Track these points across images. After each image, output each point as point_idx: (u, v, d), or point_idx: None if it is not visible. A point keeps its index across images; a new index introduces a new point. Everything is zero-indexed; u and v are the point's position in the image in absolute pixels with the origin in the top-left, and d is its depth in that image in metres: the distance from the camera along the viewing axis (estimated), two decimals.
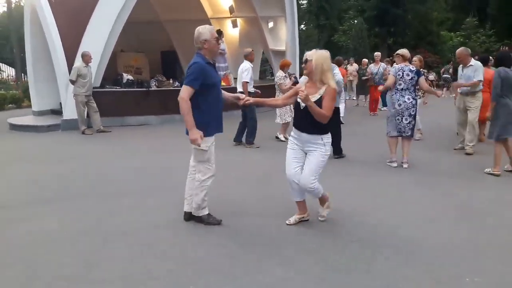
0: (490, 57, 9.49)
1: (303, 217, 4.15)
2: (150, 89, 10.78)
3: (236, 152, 7.67)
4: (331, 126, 3.92)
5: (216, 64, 12.88)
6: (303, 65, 4.00)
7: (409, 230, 3.96)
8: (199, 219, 4.12)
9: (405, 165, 6.41)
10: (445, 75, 19.42)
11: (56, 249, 3.60)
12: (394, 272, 3.15)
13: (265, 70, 25.22)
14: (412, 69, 6.39)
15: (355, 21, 32.93)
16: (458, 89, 7.58)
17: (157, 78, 11.21)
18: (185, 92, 3.75)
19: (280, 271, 3.15)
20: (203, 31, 3.85)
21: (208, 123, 3.88)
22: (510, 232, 3.91)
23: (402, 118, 6.38)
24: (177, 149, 7.85)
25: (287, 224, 4.07)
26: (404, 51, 6.64)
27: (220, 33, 13.24)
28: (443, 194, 5.14)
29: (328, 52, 3.88)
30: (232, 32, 16.06)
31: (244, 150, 7.89)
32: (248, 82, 7.94)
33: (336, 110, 6.24)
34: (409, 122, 6.37)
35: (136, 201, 4.89)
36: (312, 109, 3.65)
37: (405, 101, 6.31)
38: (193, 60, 3.83)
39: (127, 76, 10.95)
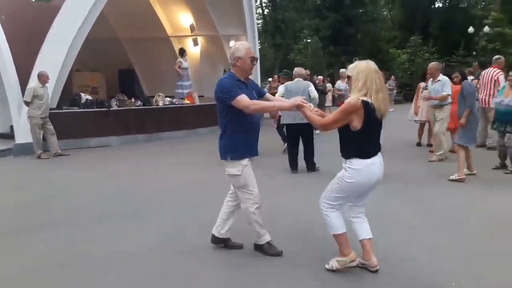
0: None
1: (365, 264, 3.43)
2: (111, 109, 10.28)
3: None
4: (361, 151, 3.21)
5: (180, 83, 12.85)
6: (347, 82, 3.74)
7: (391, 240, 3.95)
8: (259, 249, 3.78)
9: None
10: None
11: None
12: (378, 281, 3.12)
13: None
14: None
15: (309, 40, 33.84)
16: (427, 101, 8.00)
17: (118, 98, 10.74)
18: (244, 101, 3.37)
19: None
20: (240, 47, 3.55)
21: (237, 144, 3.56)
22: (484, 236, 3.95)
23: None
24: (141, 171, 7.49)
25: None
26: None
27: (183, 51, 13.04)
28: (418, 202, 5.26)
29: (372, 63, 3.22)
30: (193, 51, 15.83)
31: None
32: None
33: (309, 125, 6.32)
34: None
35: (111, 227, 4.49)
36: (307, 117, 3.38)
37: None
38: (220, 80, 3.57)
39: (85, 96, 10.39)
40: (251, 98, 3.51)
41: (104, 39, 14.81)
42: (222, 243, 3.88)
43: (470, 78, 10.48)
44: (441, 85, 7.50)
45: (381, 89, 3.11)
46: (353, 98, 3.10)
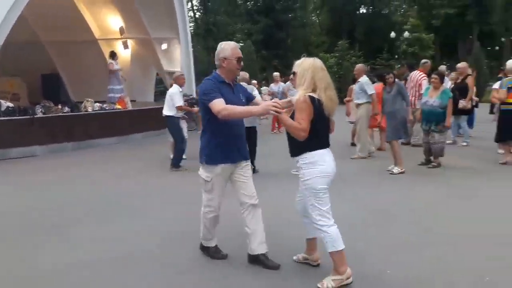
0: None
1: (307, 259, 3.49)
2: (35, 116, 9.62)
3: None
4: (311, 145, 3.12)
5: (111, 87, 12.37)
6: (291, 77, 3.59)
7: None
8: (203, 249, 3.76)
9: None
10: None
11: None
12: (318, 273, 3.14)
13: (161, 92, 24.55)
14: None
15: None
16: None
17: (44, 104, 10.07)
18: (217, 106, 3.20)
19: None
20: (226, 47, 3.41)
21: (213, 149, 3.40)
22: (413, 225, 4.20)
23: None
24: (71, 180, 7.10)
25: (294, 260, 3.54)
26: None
27: (113, 54, 12.58)
28: (352, 199, 5.45)
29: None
30: (123, 54, 15.31)
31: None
32: (182, 105, 7.68)
33: (254, 129, 6.81)
34: None
35: (46, 240, 4.19)
36: (284, 123, 3.15)
37: None
38: (204, 81, 3.47)
39: (6, 103, 9.63)
40: (237, 102, 3.37)
41: (25, 42, 13.91)
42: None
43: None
44: (360, 86, 8.02)
45: (328, 87, 3.10)
46: (300, 94, 3.04)
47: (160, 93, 26.58)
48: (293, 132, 3.06)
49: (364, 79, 8.10)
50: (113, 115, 11.46)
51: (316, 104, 3.03)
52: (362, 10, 50.60)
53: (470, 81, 8.93)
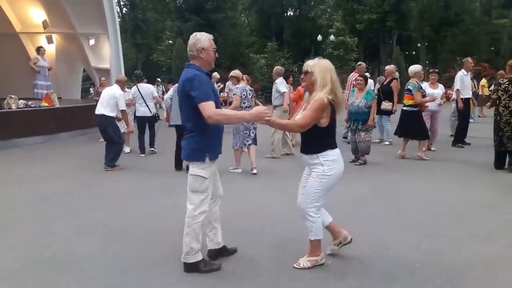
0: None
1: (340, 242, 3.61)
2: None
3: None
4: (331, 143, 3.33)
5: (37, 82, 11.73)
6: (302, 77, 3.42)
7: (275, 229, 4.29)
8: (190, 267, 3.33)
9: (254, 171, 6.95)
10: None
11: None
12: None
13: (87, 89, 23.58)
14: (251, 88, 7.37)
15: (170, 41, 33.65)
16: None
17: None
18: (209, 109, 3.06)
19: None
20: (202, 37, 3.29)
21: (210, 145, 3.29)
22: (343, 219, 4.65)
23: (249, 132, 7.02)
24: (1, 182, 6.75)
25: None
26: (237, 73, 7.38)
27: (39, 48, 11.98)
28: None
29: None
30: (48, 49, 14.50)
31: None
32: (125, 110, 7.65)
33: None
34: (255, 134, 7.14)
35: None
36: (278, 126, 3.40)
37: None
38: (191, 73, 3.18)
39: None
40: (218, 99, 3.29)
41: None
42: None
43: None
44: (275, 87, 8.38)
45: (339, 88, 3.29)
46: (323, 97, 3.15)
47: (87, 90, 25.65)
48: (292, 128, 3.42)
49: (279, 80, 8.35)
50: (39, 113, 10.90)
51: (333, 107, 3.24)
52: (290, 12, 52.21)
53: (395, 84, 9.48)
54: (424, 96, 7.88)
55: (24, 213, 5.06)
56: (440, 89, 8.81)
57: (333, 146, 3.32)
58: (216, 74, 13.13)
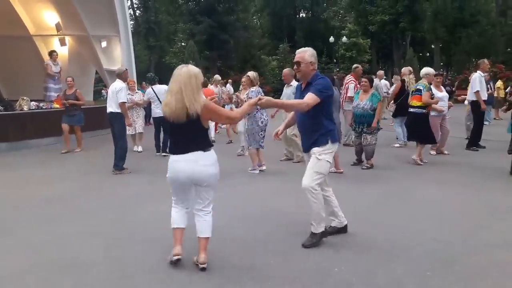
0: None
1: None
2: None
3: None
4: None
5: (48, 85, 11.82)
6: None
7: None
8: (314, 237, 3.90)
9: (264, 167, 7.20)
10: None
11: None
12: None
13: (99, 91, 23.83)
14: (263, 90, 7.53)
15: (183, 43, 33.81)
16: None
17: None
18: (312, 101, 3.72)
19: None
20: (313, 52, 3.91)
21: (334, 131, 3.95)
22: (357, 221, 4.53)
23: (263, 132, 7.12)
24: (8, 182, 6.78)
25: None
26: (255, 75, 7.32)
27: (51, 53, 12.08)
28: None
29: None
30: (60, 51, 14.64)
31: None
32: (125, 102, 7.36)
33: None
34: (264, 136, 7.19)
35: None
36: (285, 106, 4.29)
37: (265, 119, 7.16)
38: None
39: None
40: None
41: None
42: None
43: None
44: (292, 89, 8.18)
45: None
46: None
47: (100, 92, 25.89)
48: (300, 108, 3.75)
49: (295, 83, 8.24)
50: (51, 115, 10.97)
51: None
52: (302, 14, 52.09)
53: (397, 84, 9.40)
54: (433, 98, 7.71)
55: (29, 215, 5.05)
56: (444, 92, 8.63)
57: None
58: (217, 77, 13.09)
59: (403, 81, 9.39)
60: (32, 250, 3.94)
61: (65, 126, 9.52)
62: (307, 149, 3.95)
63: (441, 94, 8.38)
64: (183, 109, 3.16)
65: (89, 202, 5.62)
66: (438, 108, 8.04)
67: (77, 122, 9.64)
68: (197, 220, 3.45)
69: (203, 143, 3.35)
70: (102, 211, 5.20)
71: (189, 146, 3.30)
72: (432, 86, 8.01)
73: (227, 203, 5.01)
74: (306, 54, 3.81)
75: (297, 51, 3.91)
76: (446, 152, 8.57)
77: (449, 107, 8.72)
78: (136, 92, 9.68)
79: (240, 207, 5.16)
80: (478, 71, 8.99)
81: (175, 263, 3.46)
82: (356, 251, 3.79)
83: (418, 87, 7.74)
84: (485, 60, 9.17)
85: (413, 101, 7.71)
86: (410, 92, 8.12)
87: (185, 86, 3.17)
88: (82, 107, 9.95)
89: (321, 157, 3.78)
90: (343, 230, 4.17)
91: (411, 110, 7.79)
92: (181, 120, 3.20)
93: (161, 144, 8.88)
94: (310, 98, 3.68)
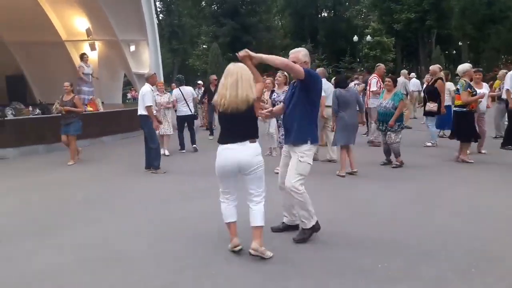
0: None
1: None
2: (5, 118, 9.39)
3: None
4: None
5: (82, 88, 12.18)
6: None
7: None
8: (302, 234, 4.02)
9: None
10: None
11: None
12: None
13: (125, 94, 24.33)
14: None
15: (205, 46, 34.10)
16: None
17: (14, 106, 9.84)
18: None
19: None
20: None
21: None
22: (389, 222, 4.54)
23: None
24: (48, 183, 7.02)
25: None
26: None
27: (83, 56, 12.46)
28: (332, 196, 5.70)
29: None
30: (91, 56, 15.05)
31: None
32: (151, 106, 7.55)
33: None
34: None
35: (22, 245, 4.20)
36: (267, 59, 3.86)
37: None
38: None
39: None
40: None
41: None
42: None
43: (354, 82, 11.68)
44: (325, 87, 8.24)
45: None
46: None
47: (124, 95, 26.48)
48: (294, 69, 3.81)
49: (324, 81, 8.21)
50: (84, 118, 11.28)
51: None
52: (324, 14, 51.87)
53: (439, 84, 9.11)
54: (474, 96, 7.59)
55: (69, 215, 5.21)
56: (485, 89, 8.48)
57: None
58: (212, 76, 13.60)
59: (440, 78, 9.21)
60: (80, 248, 4.08)
61: (63, 137, 8.73)
62: (288, 141, 4.09)
63: (480, 90, 8.20)
64: (241, 98, 3.47)
65: (125, 202, 5.76)
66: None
67: (74, 131, 8.65)
68: (250, 210, 3.67)
69: (254, 133, 3.64)
70: (139, 211, 5.33)
71: (242, 135, 3.58)
72: (472, 83, 7.94)
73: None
74: (300, 54, 4.00)
75: (291, 51, 4.11)
76: (483, 151, 8.43)
77: (487, 107, 8.57)
78: (165, 94, 9.79)
79: None
80: None
81: (238, 253, 3.71)
82: (394, 248, 3.82)
83: (457, 86, 7.77)
84: None
85: (456, 101, 7.77)
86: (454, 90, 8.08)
87: (241, 78, 3.49)
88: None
89: (303, 159, 3.92)
90: (291, 228, 4.26)
91: (454, 109, 7.83)
92: (240, 109, 3.48)
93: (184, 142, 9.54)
94: (296, 65, 3.84)
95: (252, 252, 3.59)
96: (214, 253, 3.81)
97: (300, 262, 3.59)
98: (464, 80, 7.56)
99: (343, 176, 6.75)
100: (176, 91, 9.74)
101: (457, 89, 7.67)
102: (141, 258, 3.78)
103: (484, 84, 8.77)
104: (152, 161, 7.57)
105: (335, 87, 7.22)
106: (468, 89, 7.48)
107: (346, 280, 3.26)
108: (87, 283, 3.37)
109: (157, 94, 9.13)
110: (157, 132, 8.55)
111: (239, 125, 3.55)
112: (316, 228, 4.04)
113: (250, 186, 3.64)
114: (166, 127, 9.33)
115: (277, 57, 3.83)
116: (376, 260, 3.56)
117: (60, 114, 8.82)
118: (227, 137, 3.59)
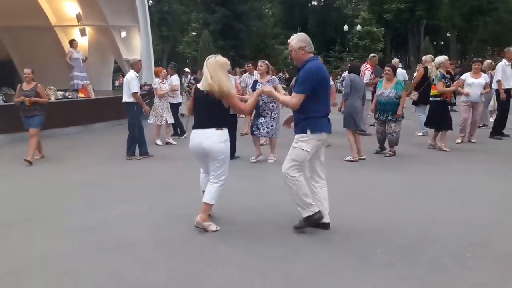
0: None
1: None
2: None
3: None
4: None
5: (75, 73, 12.05)
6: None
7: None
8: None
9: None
10: None
11: None
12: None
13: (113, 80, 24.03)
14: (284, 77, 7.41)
15: (194, 33, 33.82)
16: None
17: (4, 92, 9.70)
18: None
19: None
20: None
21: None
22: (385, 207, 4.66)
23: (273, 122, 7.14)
24: (42, 169, 6.99)
25: None
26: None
27: (72, 41, 12.31)
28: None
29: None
30: (81, 41, 14.86)
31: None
32: (137, 92, 7.50)
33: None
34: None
35: (19, 232, 4.21)
36: (281, 101, 4.19)
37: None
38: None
39: None
40: None
41: None
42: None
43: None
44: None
45: None
46: None
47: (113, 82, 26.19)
48: (289, 106, 3.95)
49: None
50: (76, 104, 11.23)
51: None
52: (314, 2, 51.71)
53: (419, 72, 9.52)
54: (448, 86, 7.85)
55: (64, 201, 5.20)
56: (483, 79, 8.66)
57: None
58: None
59: (425, 68, 9.36)
60: (75, 234, 4.07)
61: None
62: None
63: (471, 80, 8.53)
64: (215, 87, 3.80)
65: (121, 187, 5.78)
66: (463, 91, 8.44)
67: (36, 124, 7.61)
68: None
69: (220, 121, 3.95)
70: (137, 197, 5.32)
71: (209, 122, 3.93)
72: (469, 73, 8.35)
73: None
74: (293, 42, 3.92)
75: (289, 40, 4.05)
76: (473, 140, 8.68)
77: (483, 93, 8.73)
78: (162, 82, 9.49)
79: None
80: (503, 60, 8.97)
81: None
82: (391, 234, 3.93)
83: (433, 77, 8.11)
84: (511, 49, 9.12)
85: (432, 91, 8.08)
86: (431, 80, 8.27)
87: (214, 70, 3.83)
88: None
89: (296, 145, 3.84)
90: (322, 226, 3.98)
91: (430, 99, 8.12)
92: (211, 98, 3.85)
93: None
94: (294, 97, 3.85)
95: (195, 224, 3.96)
96: (215, 239, 3.86)
97: (300, 247, 3.67)
98: (439, 71, 7.82)
99: (356, 161, 7.05)
100: (175, 77, 9.86)
101: (433, 80, 7.97)
102: (141, 243, 3.82)
103: (483, 74, 8.95)
104: (128, 147, 7.62)
105: (349, 73, 7.71)
106: (443, 79, 7.73)
107: (346, 264, 3.36)
108: (84, 270, 3.40)
109: (161, 82, 9.07)
110: (158, 122, 8.57)
111: (207, 112, 3.94)
112: (312, 220, 3.88)
113: (211, 168, 4.02)
114: (165, 116, 8.97)
115: (285, 99, 4.09)
116: (374, 245, 3.67)
117: (20, 106, 7.54)
118: (196, 123, 4.03)
